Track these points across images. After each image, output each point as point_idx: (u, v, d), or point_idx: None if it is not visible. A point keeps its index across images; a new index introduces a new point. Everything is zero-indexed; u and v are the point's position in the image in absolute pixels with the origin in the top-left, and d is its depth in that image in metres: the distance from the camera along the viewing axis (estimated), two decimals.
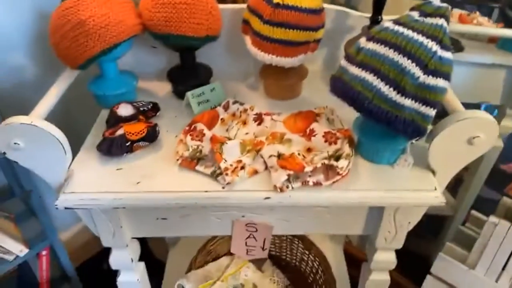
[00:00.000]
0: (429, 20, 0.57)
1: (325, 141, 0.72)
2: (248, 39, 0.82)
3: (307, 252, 1.15)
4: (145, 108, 0.78)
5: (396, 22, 0.59)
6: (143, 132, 0.71)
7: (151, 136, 0.72)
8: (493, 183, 1.73)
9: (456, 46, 1.05)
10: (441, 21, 0.56)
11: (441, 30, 0.55)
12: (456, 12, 1.28)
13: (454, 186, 1.44)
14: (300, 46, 0.77)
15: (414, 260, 1.24)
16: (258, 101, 0.87)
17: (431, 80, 0.55)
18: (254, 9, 0.77)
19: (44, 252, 1.18)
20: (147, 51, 0.93)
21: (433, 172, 0.67)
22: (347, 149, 0.68)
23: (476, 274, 0.93)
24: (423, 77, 0.55)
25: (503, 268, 0.91)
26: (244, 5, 0.83)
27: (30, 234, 1.10)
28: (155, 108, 0.79)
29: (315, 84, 0.90)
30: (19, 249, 1.04)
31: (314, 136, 0.73)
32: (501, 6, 1.09)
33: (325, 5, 0.84)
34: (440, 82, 0.56)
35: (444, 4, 0.57)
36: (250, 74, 0.93)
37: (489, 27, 1.16)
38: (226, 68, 0.94)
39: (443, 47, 0.56)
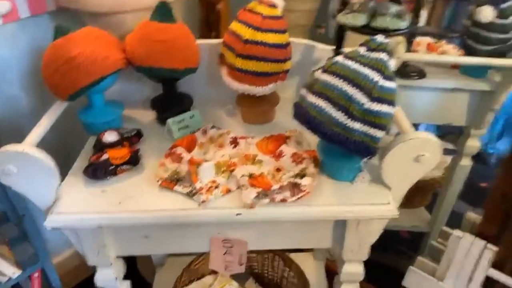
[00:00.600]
0: (373, 54, 0.65)
1: (293, 161, 0.79)
2: (223, 71, 0.90)
3: (287, 269, 1.20)
4: (129, 135, 0.85)
5: (346, 56, 0.67)
6: (127, 156, 0.78)
7: (134, 160, 0.79)
8: (473, 200, 1.80)
9: (419, 73, 1.14)
10: (383, 55, 0.64)
11: (383, 63, 0.64)
12: (426, 40, 1.39)
13: (431, 204, 1.51)
14: (270, 77, 0.85)
15: (394, 276, 1.28)
16: (235, 126, 0.95)
17: (375, 106, 0.63)
18: (228, 44, 0.86)
19: (36, 275, 1.23)
20: (133, 81, 1.01)
21: (389, 187, 0.73)
22: (311, 168, 0.76)
23: (445, 286, 0.98)
24: (368, 104, 0.63)
25: (470, 279, 0.96)
26: (220, 40, 0.92)
27: (23, 257, 1.15)
28: (138, 134, 0.86)
29: (288, 110, 0.97)
30: (12, 271, 1.09)
31: (283, 157, 0.80)
32: (460, 36, 1.19)
33: (294, 39, 0.93)
34: (384, 108, 0.64)
35: (386, 40, 0.65)
36: (228, 102, 1.01)
37: (451, 55, 1.26)
38: (206, 96, 1.02)
39: (386, 77, 0.64)
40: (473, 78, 1.15)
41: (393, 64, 0.66)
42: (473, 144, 1.22)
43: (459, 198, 1.38)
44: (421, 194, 1.48)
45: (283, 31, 0.84)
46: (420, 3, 1.06)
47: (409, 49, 1.10)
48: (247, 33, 0.82)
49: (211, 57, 0.97)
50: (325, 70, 0.68)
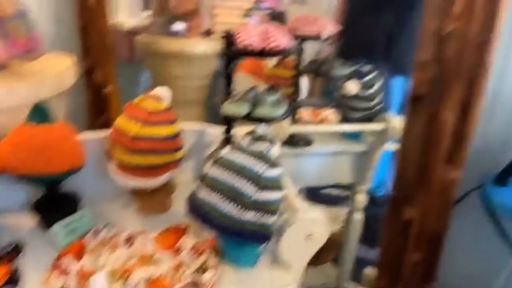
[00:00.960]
0: (256, 145, 0.69)
1: (193, 254, 0.77)
2: (112, 166, 0.87)
3: None
4: (6, 251, 0.75)
5: (233, 147, 0.71)
6: (3, 279, 0.68)
7: (13, 281, 0.70)
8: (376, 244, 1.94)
9: (305, 141, 1.24)
10: (265, 145, 0.69)
11: (265, 153, 0.68)
12: (309, 109, 1.54)
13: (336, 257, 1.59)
14: (161, 168, 0.85)
15: None
16: (131, 219, 0.90)
17: (263, 196, 0.66)
18: (115, 140, 0.84)
19: None
20: (9, 184, 0.91)
21: (288, 266, 0.76)
22: (212, 259, 0.75)
23: None
24: (256, 194, 0.66)
25: None
26: (107, 132, 0.89)
27: None
28: (16, 249, 0.77)
29: (186, 195, 0.97)
30: None
31: (183, 251, 0.78)
32: (335, 106, 1.35)
33: (186, 126, 0.95)
34: (272, 196, 0.67)
35: (266, 131, 0.70)
36: (121, 194, 0.96)
37: (330, 121, 1.41)
38: (96, 191, 0.96)
39: (270, 166, 0.68)
40: (351, 141, 1.30)
41: (275, 152, 0.71)
42: (361, 198, 1.35)
43: (364, 245, 1.48)
44: (326, 250, 1.56)
45: (171, 122, 0.85)
46: (297, 81, 1.19)
47: (294, 117, 1.21)
48: (134, 128, 0.81)
49: (99, 150, 0.93)
50: (214, 163, 0.70)
